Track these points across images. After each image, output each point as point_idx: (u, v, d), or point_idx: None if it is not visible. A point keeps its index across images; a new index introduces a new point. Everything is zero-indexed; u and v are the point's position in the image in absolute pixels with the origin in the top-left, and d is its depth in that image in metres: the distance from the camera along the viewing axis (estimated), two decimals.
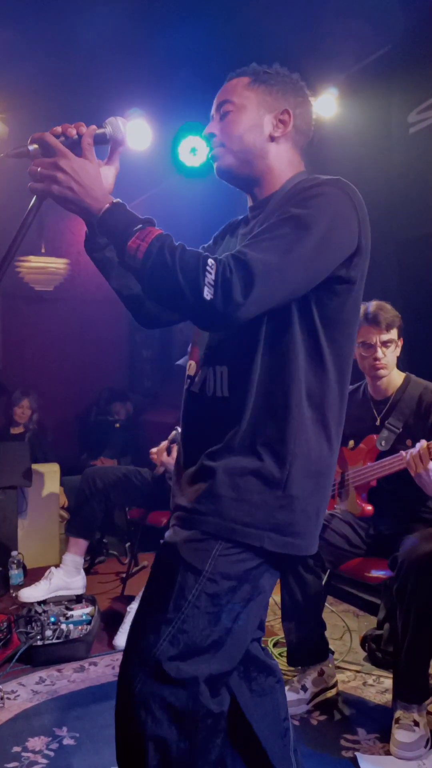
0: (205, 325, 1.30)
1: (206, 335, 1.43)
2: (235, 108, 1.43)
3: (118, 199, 1.29)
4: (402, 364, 2.60)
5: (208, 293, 1.16)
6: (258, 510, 1.27)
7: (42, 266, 5.32)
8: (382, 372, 2.52)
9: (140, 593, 1.88)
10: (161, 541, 1.35)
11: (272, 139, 1.43)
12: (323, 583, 2.55)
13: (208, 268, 1.16)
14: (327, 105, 3.98)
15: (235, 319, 1.19)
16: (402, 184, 3.52)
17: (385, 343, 2.48)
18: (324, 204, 1.28)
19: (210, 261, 1.17)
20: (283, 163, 1.45)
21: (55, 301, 5.86)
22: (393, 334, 2.49)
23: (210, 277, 1.16)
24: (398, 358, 2.57)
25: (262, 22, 3.33)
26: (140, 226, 1.23)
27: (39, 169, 1.25)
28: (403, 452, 2.29)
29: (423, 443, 2.24)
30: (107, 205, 1.26)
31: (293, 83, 1.47)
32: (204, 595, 1.25)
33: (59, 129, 1.29)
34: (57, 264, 5.37)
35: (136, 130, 3.89)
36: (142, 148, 4.04)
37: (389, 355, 2.50)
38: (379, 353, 2.48)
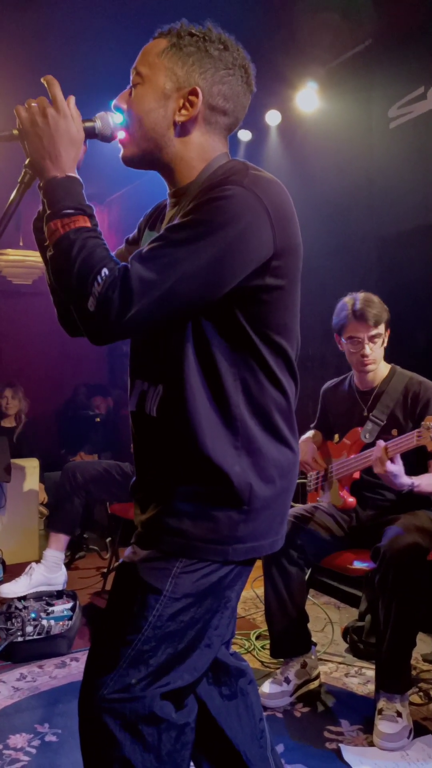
0: (87, 334, 1.17)
1: (135, 351, 1.36)
2: (142, 81, 1.26)
3: (76, 176, 1.21)
4: (384, 356, 2.61)
5: (91, 304, 1.10)
6: (222, 526, 1.21)
7: (20, 259, 5.27)
8: (369, 367, 2.53)
9: None
10: (120, 560, 1.30)
11: (176, 124, 1.25)
12: (306, 576, 2.56)
13: (99, 278, 1.09)
14: (308, 99, 3.98)
15: (111, 336, 1.13)
16: (383, 179, 3.53)
17: (372, 339, 2.49)
18: (224, 209, 1.13)
19: (105, 271, 1.10)
20: (194, 151, 1.28)
21: (34, 295, 5.80)
22: (380, 328, 2.50)
23: (97, 288, 1.09)
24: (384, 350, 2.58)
25: (240, 15, 3.32)
26: (71, 211, 1.16)
27: (25, 107, 1.20)
28: (381, 441, 2.31)
29: (381, 445, 2.27)
30: (60, 175, 1.19)
31: (219, 52, 1.25)
32: (165, 615, 1.20)
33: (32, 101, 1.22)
34: (35, 257, 5.31)
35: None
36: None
37: (376, 350, 2.52)
38: (367, 349, 2.49)
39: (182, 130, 1.27)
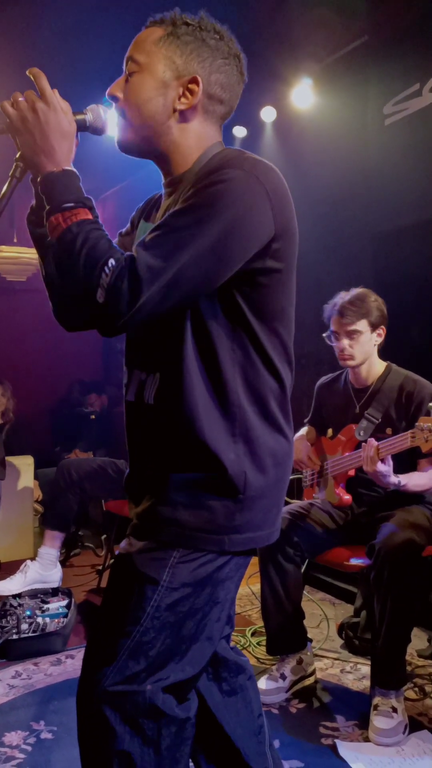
0: (97, 327, 1.16)
1: (132, 342, 1.36)
2: (139, 69, 1.25)
3: (72, 169, 1.21)
4: (379, 353, 2.61)
5: (100, 295, 1.09)
6: (218, 515, 1.21)
7: (14, 256, 5.24)
8: (348, 362, 2.53)
9: None
10: (116, 552, 1.31)
11: (177, 112, 1.26)
12: (302, 572, 2.56)
13: (106, 269, 1.09)
14: (303, 96, 3.98)
15: (123, 327, 1.12)
16: (378, 175, 3.53)
17: (349, 334, 2.49)
18: (225, 192, 1.14)
19: (111, 262, 1.09)
20: (192, 139, 1.28)
21: (28, 292, 5.77)
22: (360, 325, 2.48)
23: (105, 279, 1.08)
24: (379, 348, 2.58)
25: (234, 10, 3.31)
26: (71, 204, 1.15)
27: (13, 103, 1.19)
28: (373, 440, 2.31)
29: (373, 445, 2.27)
30: (56, 169, 1.18)
31: (214, 41, 1.26)
32: (163, 606, 1.20)
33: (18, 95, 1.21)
34: (30, 254, 5.28)
35: (112, 117, 3.85)
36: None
37: (356, 346, 2.50)
38: (342, 343, 2.50)
39: (181, 118, 1.27)
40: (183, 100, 1.26)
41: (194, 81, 1.25)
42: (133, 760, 1.19)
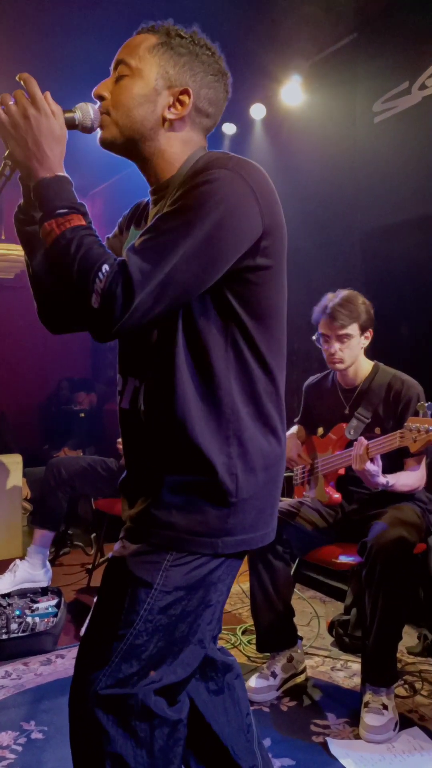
0: (92, 332, 1.16)
1: (125, 349, 1.35)
2: (131, 73, 1.27)
3: (65, 174, 1.21)
4: (366, 352, 2.61)
5: (95, 301, 1.09)
6: (211, 518, 1.21)
7: (2, 253, 5.20)
8: (338, 366, 2.53)
9: None
10: (110, 555, 1.30)
11: (165, 121, 1.28)
12: (292, 570, 2.56)
13: (100, 274, 1.09)
14: (292, 93, 3.97)
15: (117, 332, 1.12)
16: (367, 173, 3.53)
17: (340, 338, 2.49)
18: (212, 192, 1.15)
19: (105, 267, 1.09)
20: (177, 147, 1.30)
21: (16, 289, 5.73)
22: (351, 329, 2.48)
23: (99, 285, 1.08)
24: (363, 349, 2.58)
25: (223, 7, 3.30)
26: (65, 210, 1.15)
27: (3, 108, 1.18)
28: (363, 439, 2.31)
29: (363, 444, 2.27)
30: (49, 175, 1.18)
31: (206, 57, 1.29)
32: (156, 609, 1.20)
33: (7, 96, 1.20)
34: (17, 251, 5.24)
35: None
36: None
37: (346, 350, 2.50)
38: (334, 348, 2.49)
39: (169, 126, 1.29)
40: (173, 110, 1.28)
41: (185, 92, 1.27)
42: (125, 762, 1.19)
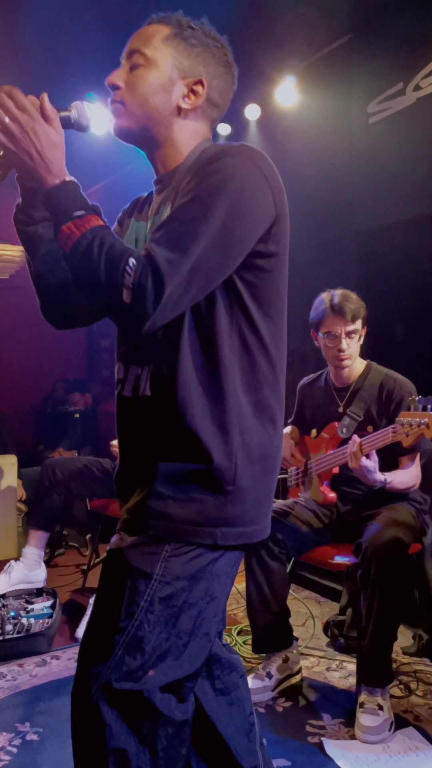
0: (127, 327, 1.20)
1: (124, 334, 1.36)
2: (146, 63, 1.29)
3: (72, 178, 1.23)
4: (361, 351, 2.61)
5: (126, 296, 1.10)
6: (209, 507, 1.21)
7: None
8: (345, 363, 2.54)
9: None
10: (108, 548, 1.29)
11: (179, 110, 1.31)
12: (287, 570, 2.57)
13: (128, 268, 1.10)
14: (287, 94, 3.98)
15: (152, 324, 1.13)
16: (362, 174, 3.54)
17: (349, 334, 2.50)
18: (228, 178, 1.18)
19: (132, 261, 1.10)
20: (187, 135, 1.33)
21: (11, 290, 5.71)
22: (357, 324, 2.50)
23: (129, 279, 1.09)
24: (360, 346, 2.59)
25: (218, 7, 3.29)
26: (81, 212, 1.17)
27: (1, 128, 1.18)
28: (356, 437, 2.32)
29: (356, 441, 2.28)
30: (58, 181, 1.20)
31: (217, 49, 1.33)
32: (157, 599, 1.19)
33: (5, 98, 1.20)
34: (12, 251, 5.22)
35: (96, 114, 3.83)
36: (102, 132, 3.98)
37: (353, 346, 2.52)
38: (344, 344, 2.50)
39: (182, 115, 1.32)
40: (188, 100, 1.31)
41: (199, 83, 1.31)
42: (128, 758, 1.18)
